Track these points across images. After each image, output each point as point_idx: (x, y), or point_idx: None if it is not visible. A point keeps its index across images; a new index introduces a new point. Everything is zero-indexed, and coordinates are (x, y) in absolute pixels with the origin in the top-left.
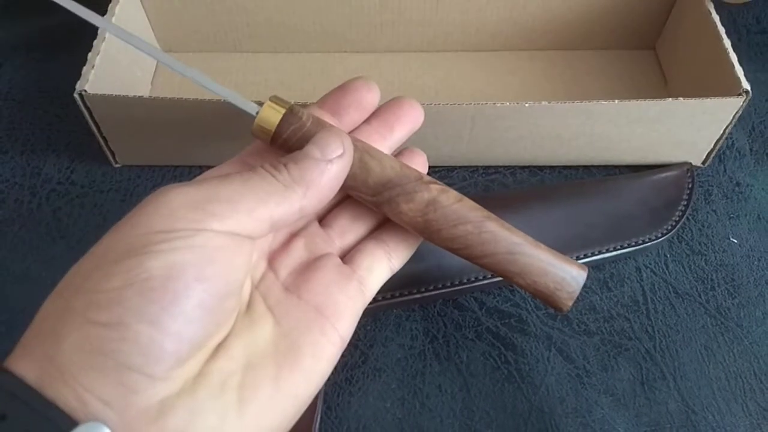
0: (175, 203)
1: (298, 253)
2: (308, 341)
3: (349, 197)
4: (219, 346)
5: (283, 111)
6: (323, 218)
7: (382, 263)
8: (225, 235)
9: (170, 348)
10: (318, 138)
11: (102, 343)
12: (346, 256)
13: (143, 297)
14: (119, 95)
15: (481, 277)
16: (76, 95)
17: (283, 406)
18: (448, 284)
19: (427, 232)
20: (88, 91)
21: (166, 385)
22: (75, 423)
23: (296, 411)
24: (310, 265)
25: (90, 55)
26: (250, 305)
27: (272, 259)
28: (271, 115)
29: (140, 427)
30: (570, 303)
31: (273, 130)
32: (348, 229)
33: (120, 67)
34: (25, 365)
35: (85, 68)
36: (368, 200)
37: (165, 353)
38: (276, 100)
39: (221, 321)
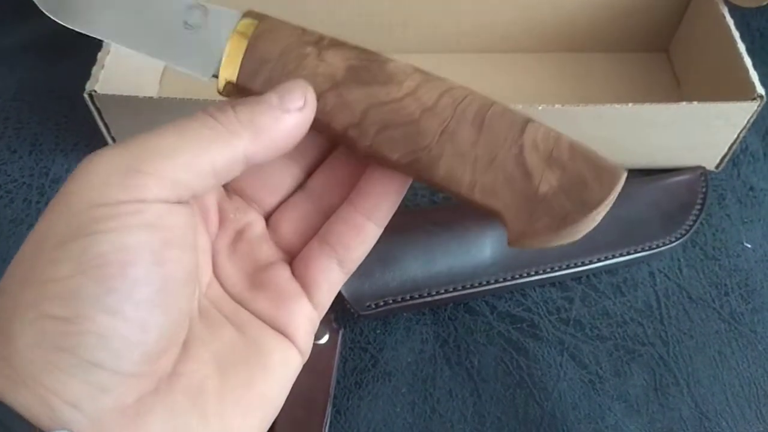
0: (105, 170)
1: (244, 261)
2: (276, 347)
3: (296, 191)
4: (184, 348)
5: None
6: (269, 216)
7: (332, 273)
8: (172, 205)
9: (135, 339)
10: (280, 86)
11: (61, 339)
12: (294, 263)
13: (100, 285)
14: (129, 95)
15: (492, 281)
16: (85, 95)
17: (262, 412)
18: (459, 288)
19: None
20: (98, 91)
21: (140, 383)
22: None
23: (272, 415)
24: (258, 278)
25: (100, 54)
26: (202, 311)
27: (216, 265)
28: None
29: (115, 430)
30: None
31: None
32: (295, 230)
33: (129, 67)
34: None
35: (94, 68)
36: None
37: (130, 345)
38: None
39: (184, 308)
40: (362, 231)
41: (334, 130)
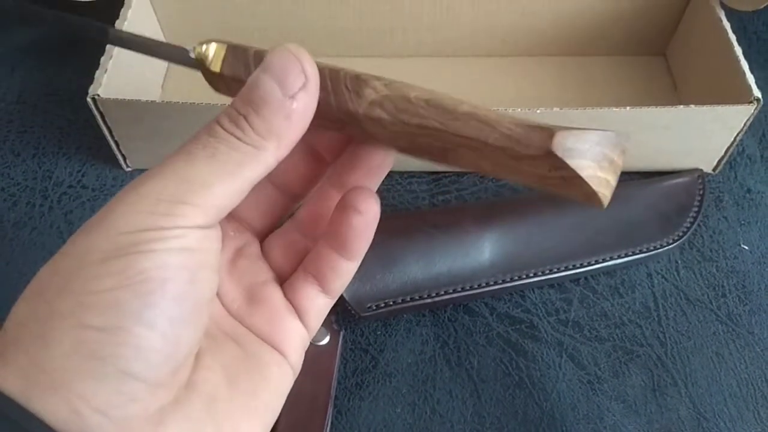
0: (151, 198)
1: (242, 278)
2: (273, 361)
3: (287, 219)
4: (197, 358)
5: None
6: (262, 240)
7: (317, 300)
8: (207, 230)
9: (168, 352)
10: (271, 64)
11: (99, 348)
12: (284, 287)
13: (141, 300)
14: (132, 99)
15: (491, 283)
16: (89, 99)
17: (264, 420)
18: (459, 289)
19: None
20: (101, 95)
21: (164, 393)
22: None
23: (273, 420)
24: (255, 296)
25: (103, 59)
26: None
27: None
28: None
29: None
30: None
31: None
32: (285, 256)
33: (132, 71)
34: (5, 375)
35: (98, 72)
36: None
37: (163, 358)
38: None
39: (205, 325)
40: (337, 267)
41: (343, 77)
